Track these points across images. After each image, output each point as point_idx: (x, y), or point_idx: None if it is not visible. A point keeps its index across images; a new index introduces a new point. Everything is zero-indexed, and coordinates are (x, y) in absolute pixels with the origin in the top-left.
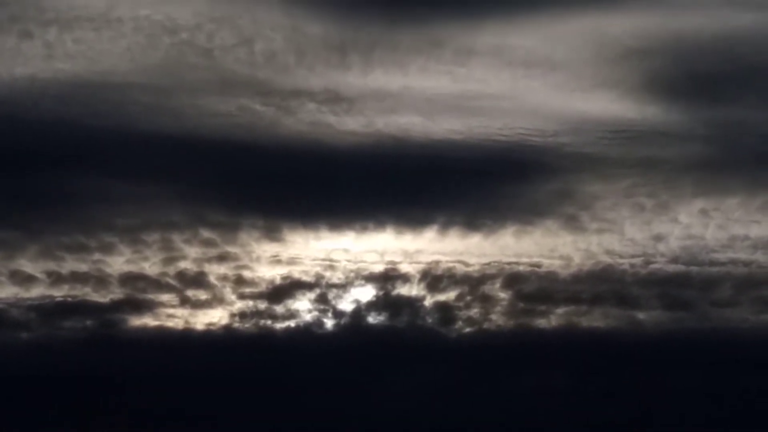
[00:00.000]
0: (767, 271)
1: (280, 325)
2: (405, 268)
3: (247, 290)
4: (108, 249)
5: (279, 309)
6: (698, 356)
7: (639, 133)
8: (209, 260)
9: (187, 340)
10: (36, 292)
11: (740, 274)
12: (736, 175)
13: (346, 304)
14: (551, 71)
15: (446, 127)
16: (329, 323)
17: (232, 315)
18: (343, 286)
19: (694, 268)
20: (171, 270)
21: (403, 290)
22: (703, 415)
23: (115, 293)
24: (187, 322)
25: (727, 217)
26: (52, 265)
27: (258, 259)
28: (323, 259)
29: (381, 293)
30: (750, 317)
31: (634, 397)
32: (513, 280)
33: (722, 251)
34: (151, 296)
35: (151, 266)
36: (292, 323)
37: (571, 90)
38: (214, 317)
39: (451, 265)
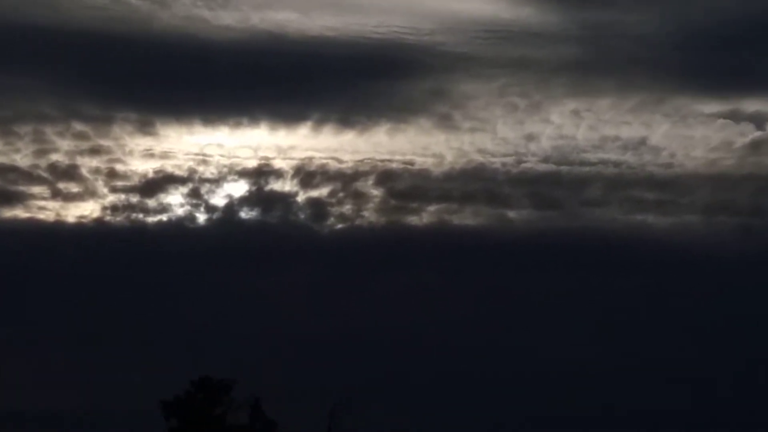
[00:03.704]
0: (636, 171)
1: (152, 219)
2: (278, 163)
3: (120, 183)
4: None
5: (151, 203)
6: (567, 254)
7: (512, 33)
8: (81, 153)
9: (58, 232)
10: None
11: (610, 174)
12: (607, 77)
13: (218, 199)
14: None
15: (321, 23)
16: (201, 218)
17: (104, 208)
18: (216, 181)
19: (564, 168)
20: (43, 162)
21: (276, 186)
22: (571, 311)
23: None
24: (58, 214)
25: (599, 118)
26: None
27: (131, 153)
28: (196, 154)
29: (254, 188)
30: (619, 217)
31: (504, 293)
32: (386, 177)
33: (593, 151)
34: (22, 188)
35: (22, 158)
36: (164, 217)
37: None
38: (86, 210)
39: (324, 161)
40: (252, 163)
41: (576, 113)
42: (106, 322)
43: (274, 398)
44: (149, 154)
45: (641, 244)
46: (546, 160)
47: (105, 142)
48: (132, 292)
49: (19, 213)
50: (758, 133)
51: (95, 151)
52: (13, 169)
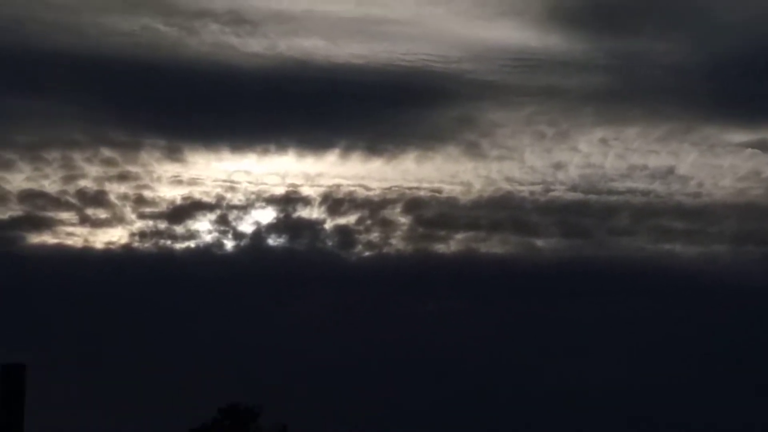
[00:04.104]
0: (664, 200)
1: (179, 246)
2: (306, 190)
3: (148, 210)
4: (7, 166)
5: (179, 229)
6: (595, 283)
7: (541, 61)
8: (110, 179)
9: (86, 258)
10: None
11: (638, 204)
12: (635, 106)
13: (246, 226)
14: None
15: (349, 51)
16: (229, 244)
17: (132, 234)
18: (244, 208)
19: (592, 197)
20: (71, 188)
21: (304, 213)
22: (599, 339)
23: (14, 210)
24: (86, 240)
25: (626, 147)
26: None
27: (159, 179)
28: (224, 181)
29: (281, 215)
30: (646, 246)
31: (532, 321)
32: (413, 205)
33: (621, 180)
34: (50, 214)
35: (51, 184)
36: (192, 244)
37: (474, 17)
38: (114, 236)
39: (352, 188)
40: (280, 190)
41: (604, 142)
42: (133, 349)
43: (300, 425)
44: (177, 181)
45: (669, 273)
46: (574, 188)
47: (133, 169)
48: (159, 319)
49: (47, 239)
50: None
51: (123, 177)
52: (41, 195)
